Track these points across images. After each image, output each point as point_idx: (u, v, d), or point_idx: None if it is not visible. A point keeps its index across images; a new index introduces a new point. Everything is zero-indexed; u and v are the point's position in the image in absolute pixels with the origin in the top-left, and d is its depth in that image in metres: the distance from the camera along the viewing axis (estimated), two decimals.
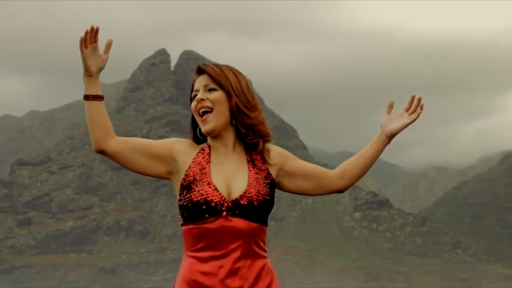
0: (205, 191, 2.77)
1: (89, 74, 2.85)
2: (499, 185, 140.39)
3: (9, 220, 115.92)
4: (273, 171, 2.88)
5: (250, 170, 2.83)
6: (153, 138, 3.05)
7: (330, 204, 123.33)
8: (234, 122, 2.87)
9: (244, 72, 3.06)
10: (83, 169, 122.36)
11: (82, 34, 2.85)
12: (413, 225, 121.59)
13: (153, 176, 2.89)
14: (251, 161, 2.87)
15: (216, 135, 2.86)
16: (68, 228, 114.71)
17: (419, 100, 2.95)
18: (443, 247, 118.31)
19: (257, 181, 2.82)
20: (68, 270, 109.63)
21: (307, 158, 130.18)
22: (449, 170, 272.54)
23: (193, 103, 2.88)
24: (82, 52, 2.83)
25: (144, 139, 2.90)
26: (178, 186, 2.83)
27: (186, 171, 2.82)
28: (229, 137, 2.87)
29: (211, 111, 2.84)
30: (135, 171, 2.89)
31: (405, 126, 2.96)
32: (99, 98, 2.87)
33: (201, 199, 2.76)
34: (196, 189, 2.77)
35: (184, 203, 2.78)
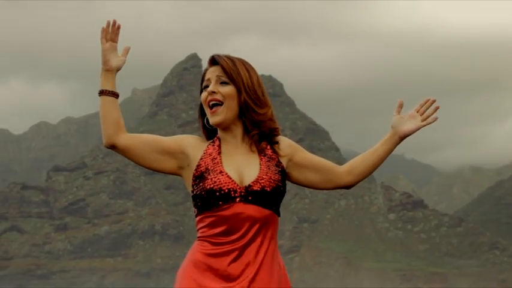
0: (218, 179, 2.79)
1: (107, 68, 2.89)
2: None
3: (46, 226, 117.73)
4: (283, 162, 2.91)
5: (261, 158, 2.86)
6: None
7: (364, 206, 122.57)
8: (243, 117, 2.88)
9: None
10: (117, 174, 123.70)
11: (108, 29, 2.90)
12: (449, 225, 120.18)
13: (163, 172, 2.92)
14: (261, 150, 2.88)
15: (223, 127, 2.88)
16: (103, 233, 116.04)
17: (433, 102, 2.99)
18: (480, 248, 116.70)
19: (269, 168, 2.85)
20: (104, 274, 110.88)
21: (340, 160, 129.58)
22: (484, 170, 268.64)
23: (204, 94, 2.91)
24: (102, 44, 2.89)
25: (155, 135, 2.92)
26: (191, 179, 2.86)
27: (198, 162, 2.85)
28: (238, 129, 2.89)
29: (220, 105, 2.87)
30: (146, 167, 2.91)
31: (419, 129, 2.99)
32: (115, 94, 2.90)
33: (214, 186, 2.78)
34: (209, 177, 2.80)
35: (198, 192, 2.81)
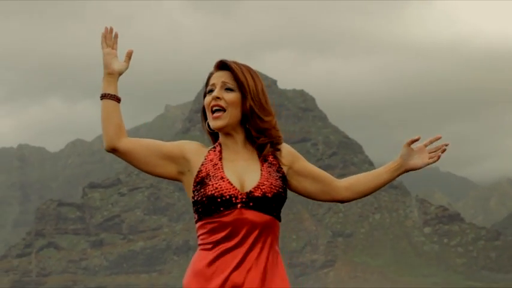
0: (219, 185, 2.78)
1: (109, 71, 2.90)
2: None
3: (83, 242, 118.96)
4: (284, 169, 2.90)
5: (262, 164, 2.86)
6: None
7: (399, 220, 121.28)
8: (246, 124, 2.87)
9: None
10: (152, 190, 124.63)
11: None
12: (487, 239, 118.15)
13: (164, 177, 2.91)
14: (262, 156, 2.88)
15: (224, 132, 2.88)
16: (138, 249, 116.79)
17: (438, 139, 3.01)
18: None
19: (270, 174, 2.84)
20: None
21: None
22: None
23: (208, 98, 2.89)
24: (102, 48, 2.92)
25: (156, 140, 2.92)
26: (192, 184, 2.85)
27: (199, 168, 2.83)
28: (239, 136, 2.88)
29: (223, 111, 2.86)
30: (147, 171, 2.89)
31: (425, 166, 3.00)
32: (116, 98, 2.90)
33: (215, 193, 2.77)
34: (210, 183, 2.79)
35: (199, 198, 2.80)
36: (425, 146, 3.01)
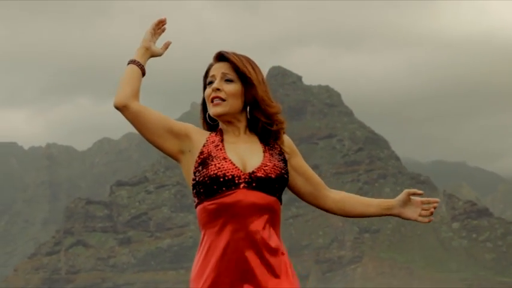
0: (222, 165, 2.77)
1: (146, 46, 2.95)
2: None
3: (111, 239, 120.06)
4: (285, 155, 2.92)
5: (264, 147, 2.87)
6: None
7: None
8: (254, 112, 2.87)
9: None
10: (178, 188, 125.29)
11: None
12: None
13: (163, 150, 2.89)
14: (263, 140, 2.90)
15: (224, 120, 2.88)
16: (166, 246, 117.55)
17: (435, 206, 3.03)
18: None
19: (272, 156, 2.85)
20: (167, 287, 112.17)
21: (400, 168, 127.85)
22: None
23: (208, 90, 2.91)
24: (149, 30, 2.99)
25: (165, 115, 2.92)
26: (192, 165, 2.84)
27: (201, 149, 2.83)
28: (240, 123, 2.89)
29: (223, 101, 2.87)
30: (149, 140, 2.88)
31: (414, 220, 3.06)
32: (143, 69, 2.93)
33: (218, 172, 2.75)
34: (212, 163, 2.77)
35: (201, 179, 2.78)
36: (422, 203, 3.03)
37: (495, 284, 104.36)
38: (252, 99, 2.87)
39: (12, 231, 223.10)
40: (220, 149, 2.83)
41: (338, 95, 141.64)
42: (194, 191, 2.81)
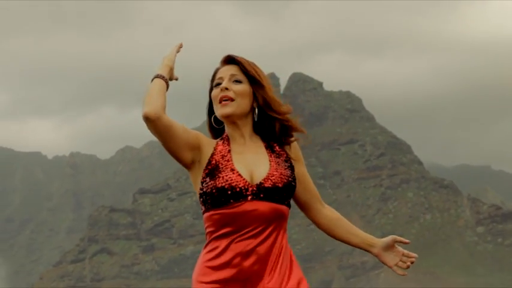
0: (230, 177, 2.77)
1: (172, 67, 2.97)
2: None
3: (134, 247, 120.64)
4: (291, 160, 2.92)
5: (270, 155, 2.86)
6: None
7: (450, 220, 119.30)
8: (267, 112, 2.89)
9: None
10: None
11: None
12: None
13: (178, 160, 2.88)
14: (269, 147, 2.89)
15: (230, 121, 2.88)
16: (189, 253, 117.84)
17: (412, 261, 3.05)
18: None
19: (278, 164, 2.85)
20: None
21: (423, 173, 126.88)
22: None
23: (216, 90, 2.91)
24: (175, 51, 3.01)
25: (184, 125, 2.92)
26: (200, 175, 2.84)
27: (209, 159, 2.83)
28: (246, 127, 2.89)
29: (231, 101, 2.87)
30: (171, 151, 2.86)
31: (389, 267, 3.07)
32: (168, 84, 2.94)
33: (225, 185, 2.76)
34: (220, 175, 2.78)
35: (208, 190, 2.79)
36: (403, 254, 3.04)
37: None
38: (263, 101, 2.90)
39: (38, 239, 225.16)
40: (228, 159, 2.83)
41: (359, 101, 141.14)
42: (201, 199, 2.84)
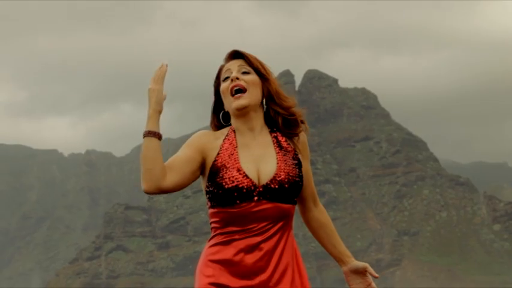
0: (236, 178, 2.74)
1: (160, 109, 2.83)
2: None
3: (150, 244, 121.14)
4: (299, 156, 2.89)
5: (278, 152, 2.82)
6: None
7: (466, 217, 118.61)
8: (271, 105, 2.86)
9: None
10: None
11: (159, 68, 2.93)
12: None
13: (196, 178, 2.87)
14: (277, 143, 2.85)
15: (246, 112, 2.82)
16: None
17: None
18: None
19: (285, 163, 2.81)
20: None
21: (439, 170, 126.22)
22: None
23: (226, 83, 2.86)
24: (158, 84, 2.84)
25: (183, 153, 2.85)
26: (206, 173, 2.81)
27: (215, 157, 2.79)
28: (257, 119, 2.85)
29: (244, 92, 2.83)
30: (187, 186, 2.84)
31: None
32: (160, 137, 2.89)
33: (232, 186, 2.73)
34: (226, 176, 2.75)
35: (215, 190, 2.76)
36: (369, 285, 3.06)
37: None
38: (267, 94, 2.87)
39: (54, 236, 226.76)
40: (235, 158, 2.79)
41: (375, 97, 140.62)
42: (207, 196, 2.82)
